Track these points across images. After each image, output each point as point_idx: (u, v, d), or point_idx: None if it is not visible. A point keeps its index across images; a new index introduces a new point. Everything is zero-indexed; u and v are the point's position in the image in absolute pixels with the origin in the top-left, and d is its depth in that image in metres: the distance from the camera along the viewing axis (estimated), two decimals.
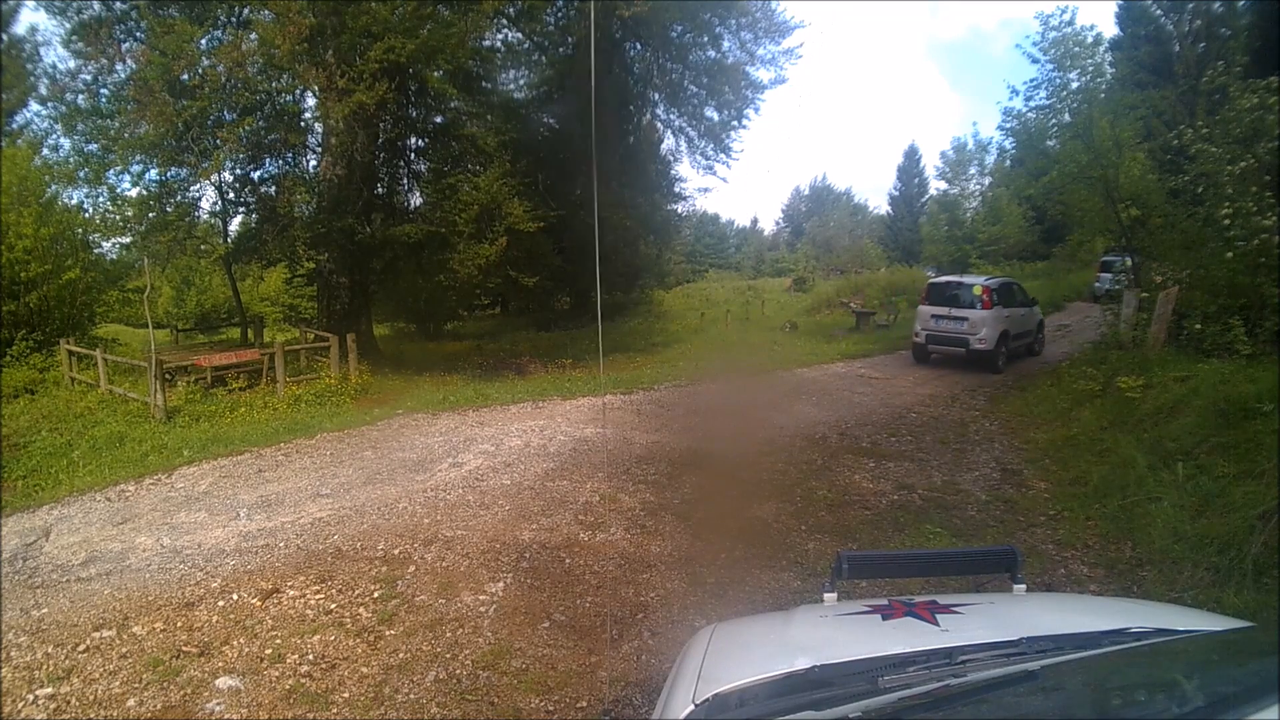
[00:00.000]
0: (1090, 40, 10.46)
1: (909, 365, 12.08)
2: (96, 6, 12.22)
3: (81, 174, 12.53)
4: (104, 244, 14.99)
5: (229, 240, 15.17)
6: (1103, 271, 17.92)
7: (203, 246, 14.84)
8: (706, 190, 48.18)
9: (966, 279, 12.10)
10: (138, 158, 12.06)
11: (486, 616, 3.82)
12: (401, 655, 3.46)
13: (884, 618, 1.45)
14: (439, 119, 15.29)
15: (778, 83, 23.21)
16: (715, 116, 20.33)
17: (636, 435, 7.67)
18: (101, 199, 13.32)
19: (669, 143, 22.41)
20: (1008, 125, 12.04)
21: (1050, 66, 10.47)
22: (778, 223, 66.79)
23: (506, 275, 14.33)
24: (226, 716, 3.06)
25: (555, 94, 19.03)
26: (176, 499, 5.97)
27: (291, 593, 4.14)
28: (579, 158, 18.24)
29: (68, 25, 12.30)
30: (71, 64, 12.98)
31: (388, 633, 3.68)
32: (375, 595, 4.08)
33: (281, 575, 4.37)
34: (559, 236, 16.63)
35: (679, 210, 26.08)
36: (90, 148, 12.34)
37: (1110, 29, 23.33)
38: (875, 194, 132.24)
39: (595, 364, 13.57)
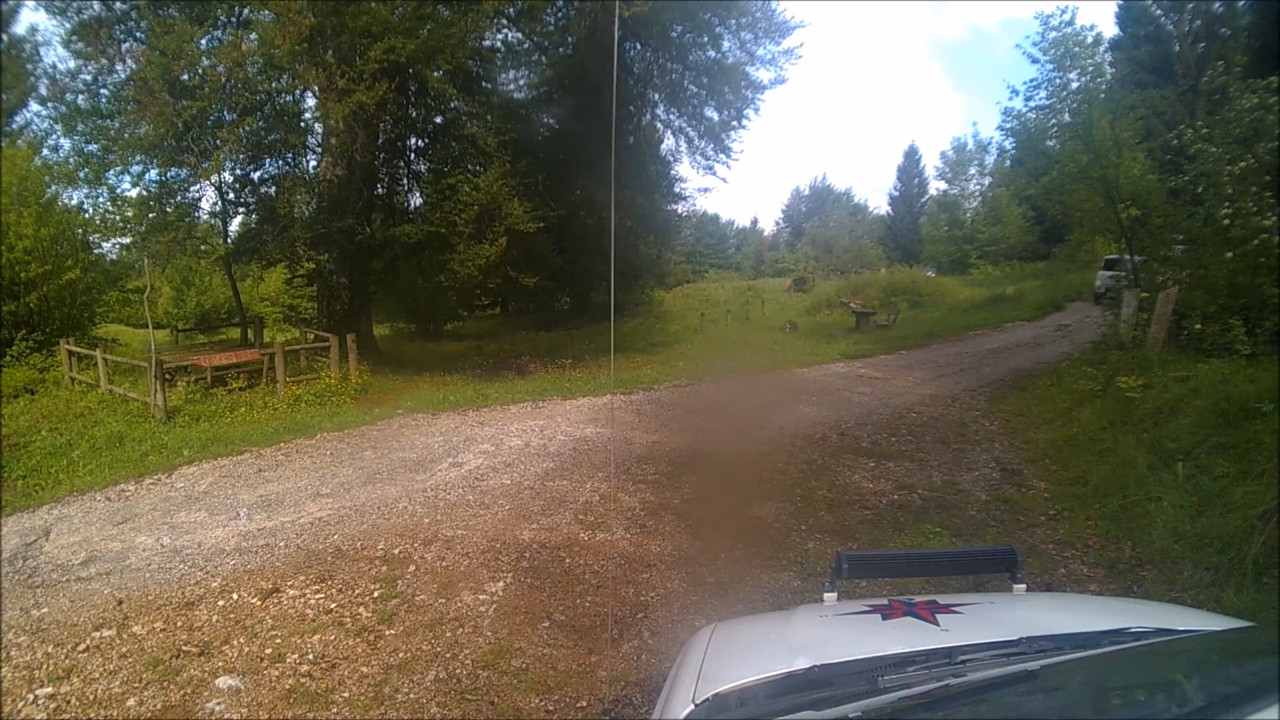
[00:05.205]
0: (1090, 40, 10.42)
1: (909, 365, 12.10)
2: (96, 6, 12.23)
3: (81, 174, 12.56)
4: (104, 244, 15.02)
5: (229, 240, 15.20)
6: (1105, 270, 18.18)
7: (203, 247, 14.86)
8: (706, 190, 48.07)
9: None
10: (138, 158, 12.09)
11: (486, 616, 3.82)
12: (401, 655, 3.46)
13: (884, 617, 1.45)
14: (439, 119, 15.30)
15: (778, 83, 23.22)
16: (715, 116, 20.33)
17: (637, 435, 7.67)
18: (101, 199, 13.37)
19: (669, 143, 22.42)
20: (1008, 125, 12.01)
21: (1050, 67, 10.44)
22: (778, 223, 66.89)
23: (506, 275, 14.35)
24: (226, 716, 3.06)
25: (555, 94, 19.02)
26: (176, 499, 5.97)
27: (291, 592, 4.14)
28: (579, 158, 18.23)
29: (68, 25, 12.33)
30: (71, 64, 13.02)
31: (388, 632, 3.68)
32: (375, 595, 4.08)
33: (281, 575, 4.37)
34: (559, 236, 16.64)
35: (679, 210, 26.08)
36: (90, 148, 12.36)
37: (1110, 29, 23.32)
38: (875, 194, 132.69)
39: (595, 364, 13.57)
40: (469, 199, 12.94)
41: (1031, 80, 10.96)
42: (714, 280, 46.73)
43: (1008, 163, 24.49)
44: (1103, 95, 10.57)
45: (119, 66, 12.35)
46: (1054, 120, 10.80)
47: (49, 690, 3.24)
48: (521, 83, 19.23)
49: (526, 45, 17.93)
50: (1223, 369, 6.21)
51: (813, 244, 53.17)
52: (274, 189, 14.32)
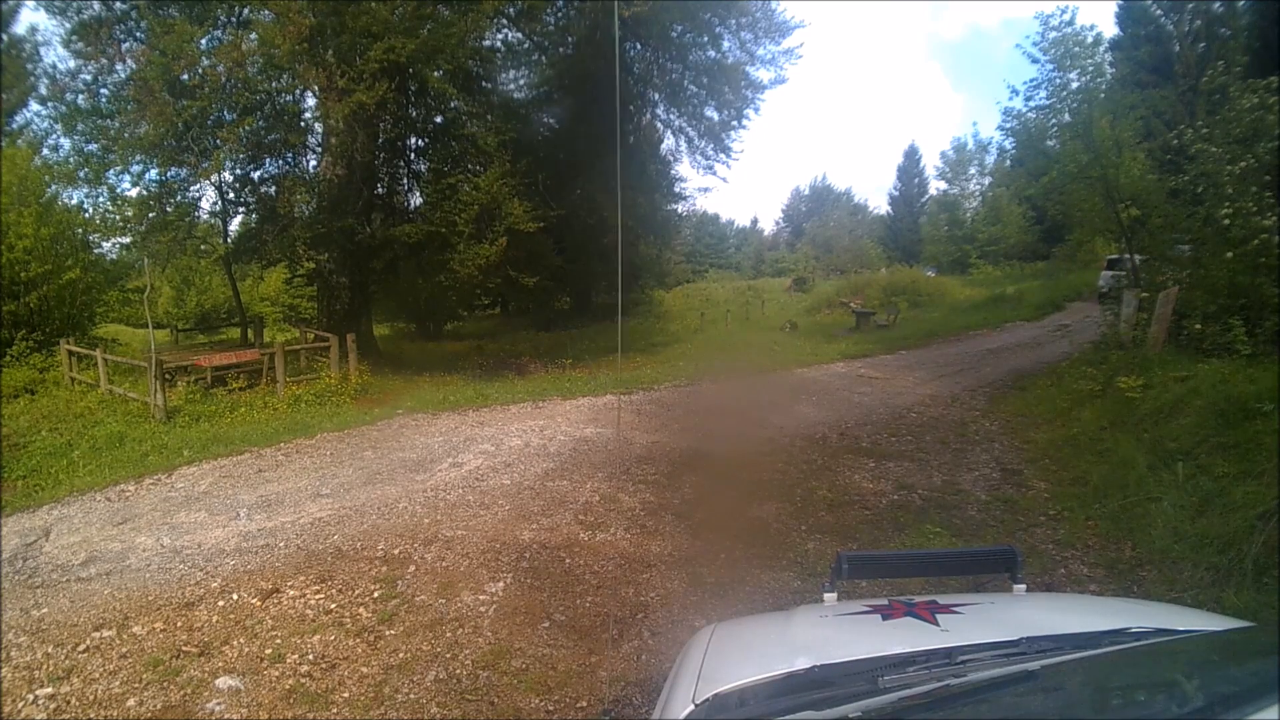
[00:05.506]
0: (1090, 40, 10.41)
1: (909, 365, 12.10)
2: (96, 6, 12.23)
3: (81, 174, 12.55)
4: (104, 244, 15.03)
5: (229, 240, 15.19)
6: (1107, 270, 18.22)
7: (203, 246, 14.87)
8: (706, 190, 48.26)
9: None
10: (138, 158, 12.08)
11: (486, 616, 3.82)
12: (401, 655, 3.46)
13: (884, 618, 1.45)
14: (439, 119, 15.30)
15: (778, 83, 23.22)
16: (715, 116, 20.32)
17: (636, 435, 7.67)
18: (101, 199, 13.36)
19: (669, 143, 22.43)
20: (1008, 125, 11.98)
21: (1050, 66, 10.44)
22: (778, 223, 66.89)
23: (506, 275, 14.33)
24: (226, 716, 3.06)
25: (555, 94, 19.01)
26: (176, 499, 5.97)
27: (291, 593, 4.14)
28: (579, 158, 18.23)
29: (68, 25, 12.32)
30: (71, 64, 13.02)
31: (388, 633, 3.68)
32: (375, 595, 4.08)
33: (281, 575, 4.37)
34: (559, 236, 16.64)
35: (679, 210, 26.09)
36: (90, 148, 12.35)
37: (1110, 29, 23.33)
38: (875, 194, 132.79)
39: (595, 364, 13.57)
40: (469, 199, 12.94)
41: (1031, 80, 10.96)
42: (714, 280, 46.76)
43: (1008, 163, 24.49)
44: (1103, 95, 10.56)
45: (119, 66, 12.36)
46: (1054, 120, 10.80)
47: (49, 690, 3.24)
48: (521, 83, 19.25)
49: (526, 45, 17.94)
50: (1223, 369, 6.21)
51: (813, 244, 53.18)
52: (274, 189, 14.31)
